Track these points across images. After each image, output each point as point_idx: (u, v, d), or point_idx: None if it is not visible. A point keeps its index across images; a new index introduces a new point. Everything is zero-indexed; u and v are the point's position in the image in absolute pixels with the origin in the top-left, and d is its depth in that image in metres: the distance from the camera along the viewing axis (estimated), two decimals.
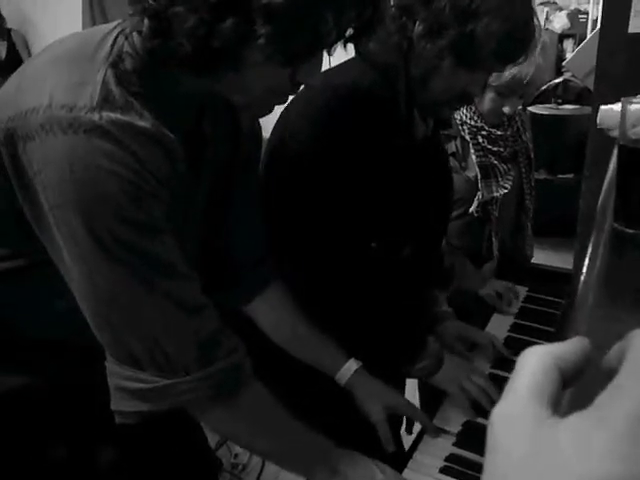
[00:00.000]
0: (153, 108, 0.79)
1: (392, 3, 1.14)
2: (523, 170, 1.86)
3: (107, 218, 0.74)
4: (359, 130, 1.10)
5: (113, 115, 0.74)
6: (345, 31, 0.82)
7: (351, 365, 1.15)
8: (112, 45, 0.80)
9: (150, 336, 0.80)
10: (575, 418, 0.26)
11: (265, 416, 0.92)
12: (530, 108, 4.11)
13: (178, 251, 0.82)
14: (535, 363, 0.29)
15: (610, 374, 0.30)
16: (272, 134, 1.21)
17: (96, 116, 0.73)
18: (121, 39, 0.81)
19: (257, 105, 0.88)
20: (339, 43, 0.84)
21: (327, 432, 0.96)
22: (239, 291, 1.15)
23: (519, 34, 1.08)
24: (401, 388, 1.48)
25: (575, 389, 0.32)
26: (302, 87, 0.88)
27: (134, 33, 0.81)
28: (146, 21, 0.76)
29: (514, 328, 1.52)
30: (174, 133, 0.81)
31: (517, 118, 1.83)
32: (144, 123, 0.77)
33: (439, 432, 1.15)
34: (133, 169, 0.75)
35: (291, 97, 0.93)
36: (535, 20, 1.11)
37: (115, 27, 0.83)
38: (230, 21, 0.72)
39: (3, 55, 5.61)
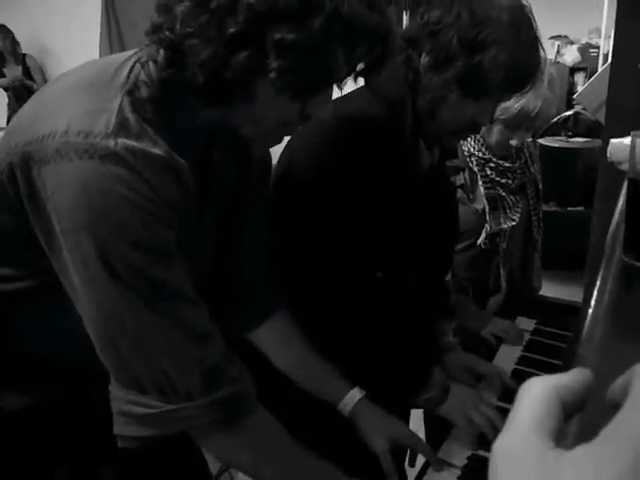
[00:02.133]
0: (166, 135, 0.80)
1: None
2: (531, 202, 1.86)
3: (118, 243, 0.75)
4: (364, 161, 1.11)
5: (128, 142, 0.75)
6: (356, 66, 0.84)
7: (354, 394, 1.14)
8: (129, 73, 0.82)
9: (155, 361, 0.80)
10: (578, 451, 0.26)
11: (270, 443, 0.91)
12: (540, 140, 4.12)
13: (187, 278, 0.83)
14: (536, 395, 0.29)
15: (614, 407, 0.29)
16: (279, 162, 1.22)
17: (111, 142, 0.74)
18: (137, 68, 0.83)
19: (267, 136, 0.89)
20: (349, 77, 0.86)
21: (330, 461, 0.94)
22: (245, 318, 1.15)
23: (525, 63, 1.09)
24: (405, 419, 1.47)
25: (581, 422, 0.31)
26: None
27: (150, 62, 0.82)
28: (162, 51, 0.79)
29: (522, 361, 1.50)
30: (185, 160, 0.82)
31: (525, 150, 1.83)
32: (158, 150, 0.78)
33: (443, 465, 1.13)
34: (146, 196, 0.76)
35: None
36: (541, 49, 1.12)
37: (132, 56, 0.85)
38: (243, 54, 0.74)
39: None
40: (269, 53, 0.74)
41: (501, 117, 1.63)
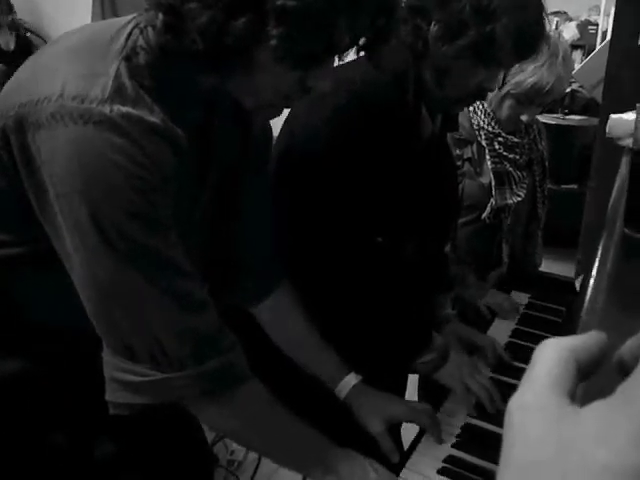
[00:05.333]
0: (163, 103, 0.79)
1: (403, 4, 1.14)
2: (537, 179, 1.86)
3: (112, 210, 0.75)
4: (366, 129, 1.11)
5: (124, 108, 0.75)
6: (358, 38, 0.83)
7: (350, 380, 1.12)
8: (127, 39, 0.81)
9: (148, 330, 0.80)
10: (598, 406, 0.26)
11: (260, 414, 0.92)
12: (537, 117, 4.10)
13: (180, 248, 0.83)
14: (553, 354, 0.29)
15: (622, 368, 0.30)
16: (280, 133, 1.22)
17: (107, 108, 0.73)
18: (136, 33, 0.82)
19: (266, 107, 0.88)
20: (351, 50, 0.84)
21: (325, 432, 0.95)
22: (248, 292, 1.15)
23: (533, 30, 1.10)
24: (403, 386, 1.48)
25: (587, 385, 0.32)
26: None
27: (149, 27, 0.81)
28: (160, 16, 0.77)
29: (515, 334, 1.52)
30: (182, 129, 0.81)
31: (534, 126, 1.83)
32: (154, 118, 0.77)
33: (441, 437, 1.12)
34: (140, 163, 0.75)
35: None
36: (545, 16, 1.13)
37: (130, 21, 0.84)
38: (243, 20, 0.72)
39: (12, 46, 5.62)
40: (270, 19, 0.72)
41: (513, 92, 1.62)
